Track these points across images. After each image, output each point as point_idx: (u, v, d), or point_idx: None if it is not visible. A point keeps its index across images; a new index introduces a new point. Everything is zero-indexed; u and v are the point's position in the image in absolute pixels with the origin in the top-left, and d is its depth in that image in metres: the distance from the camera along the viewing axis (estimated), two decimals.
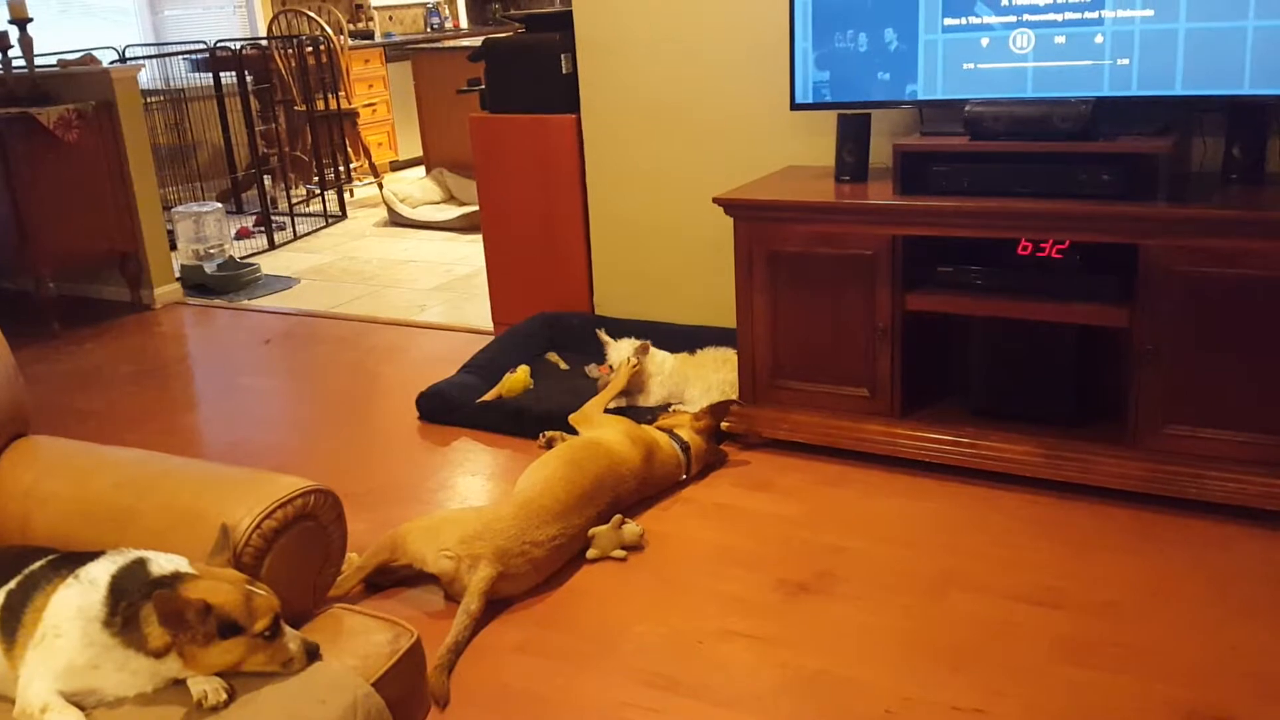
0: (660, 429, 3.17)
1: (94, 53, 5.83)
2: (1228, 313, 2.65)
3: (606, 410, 3.39)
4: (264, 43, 7.26)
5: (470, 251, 5.85)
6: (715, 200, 3.20)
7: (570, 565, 2.73)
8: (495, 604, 2.54)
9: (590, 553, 2.75)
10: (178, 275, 5.50)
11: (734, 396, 3.36)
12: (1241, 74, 2.72)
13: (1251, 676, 2.18)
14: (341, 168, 7.48)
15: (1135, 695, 2.15)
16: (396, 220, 6.84)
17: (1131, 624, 2.37)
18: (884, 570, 2.64)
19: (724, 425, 3.31)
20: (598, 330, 3.75)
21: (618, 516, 2.80)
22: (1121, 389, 2.89)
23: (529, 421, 3.46)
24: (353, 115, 7.73)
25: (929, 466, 3.07)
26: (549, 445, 3.27)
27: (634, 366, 3.52)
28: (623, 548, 2.76)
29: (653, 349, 3.61)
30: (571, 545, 2.71)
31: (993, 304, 2.97)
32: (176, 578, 1.49)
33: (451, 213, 6.73)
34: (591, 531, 2.76)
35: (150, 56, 6.89)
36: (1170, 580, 2.52)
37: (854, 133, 3.24)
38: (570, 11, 3.99)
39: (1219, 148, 2.94)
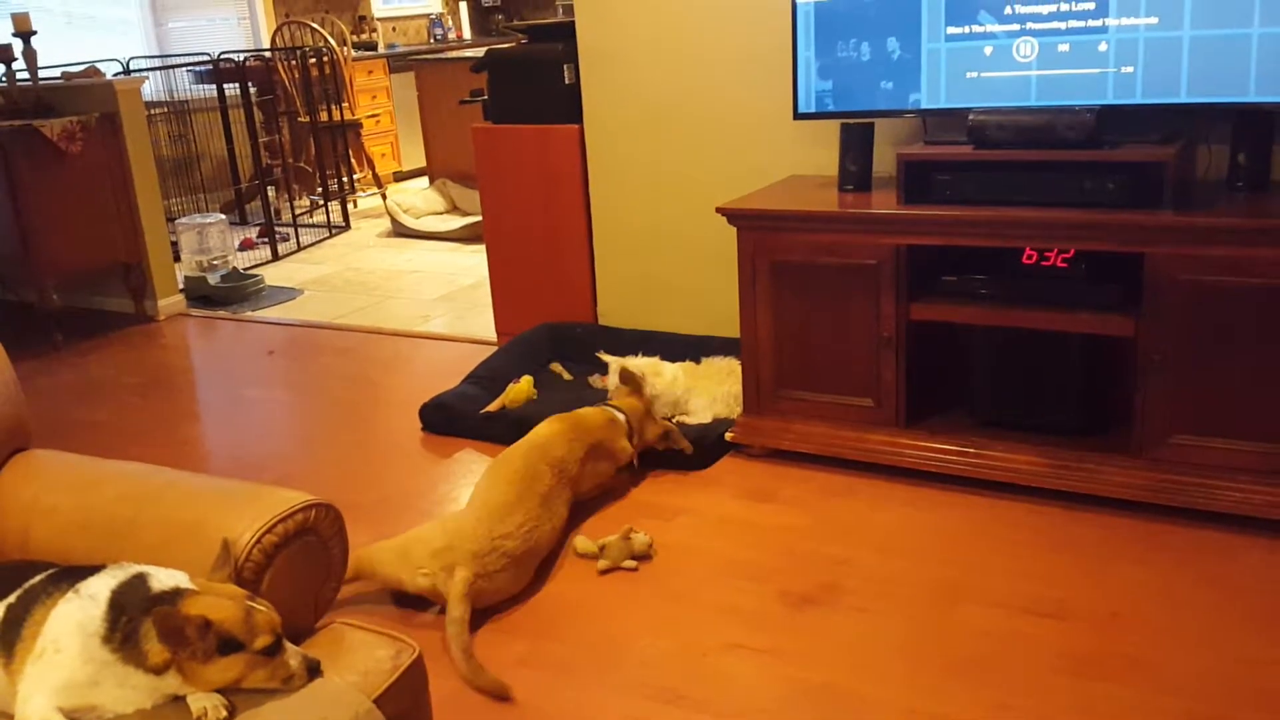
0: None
1: (98, 65, 5.85)
2: (1234, 321, 2.64)
3: None
4: (267, 54, 7.27)
5: (473, 262, 5.85)
6: (719, 210, 3.19)
7: (574, 577, 2.72)
8: (498, 613, 2.53)
9: (600, 564, 2.74)
10: (181, 287, 5.51)
11: (738, 408, 3.35)
12: (1247, 81, 2.71)
13: (1258, 689, 2.16)
14: (345, 179, 7.49)
15: (1141, 707, 2.13)
16: (400, 231, 6.84)
17: (1138, 636, 2.35)
18: (889, 582, 2.62)
19: (728, 436, 3.30)
20: (598, 353, 3.71)
21: (626, 526, 2.80)
22: (1128, 398, 2.87)
23: None
24: (356, 126, 7.74)
25: (934, 477, 3.05)
26: None
27: None
28: (632, 557, 2.75)
29: (657, 362, 3.59)
30: (542, 532, 2.71)
31: (998, 313, 2.96)
32: (177, 593, 1.48)
33: (455, 223, 6.73)
34: (600, 542, 2.77)
35: (154, 68, 6.90)
36: (1177, 591, 2.50)
37: (857, 142, 3.24)
38: (573, 22, 3.99)
39: (1224, 155, 2.93)
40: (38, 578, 1.56)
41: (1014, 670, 2.26)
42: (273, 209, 6.73)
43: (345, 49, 7.78)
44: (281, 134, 7.37)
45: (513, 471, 2.80)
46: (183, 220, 5.84)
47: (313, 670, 1.51)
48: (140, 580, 1.50)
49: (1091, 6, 2.83)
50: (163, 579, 1.51)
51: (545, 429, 3.01)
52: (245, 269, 5.87)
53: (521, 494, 2.73)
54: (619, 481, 3.16)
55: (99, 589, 1.49)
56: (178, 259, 5.62)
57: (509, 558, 2.58)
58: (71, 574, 1.54)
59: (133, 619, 1.45)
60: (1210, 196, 2.85)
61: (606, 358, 3.64)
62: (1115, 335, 2.85)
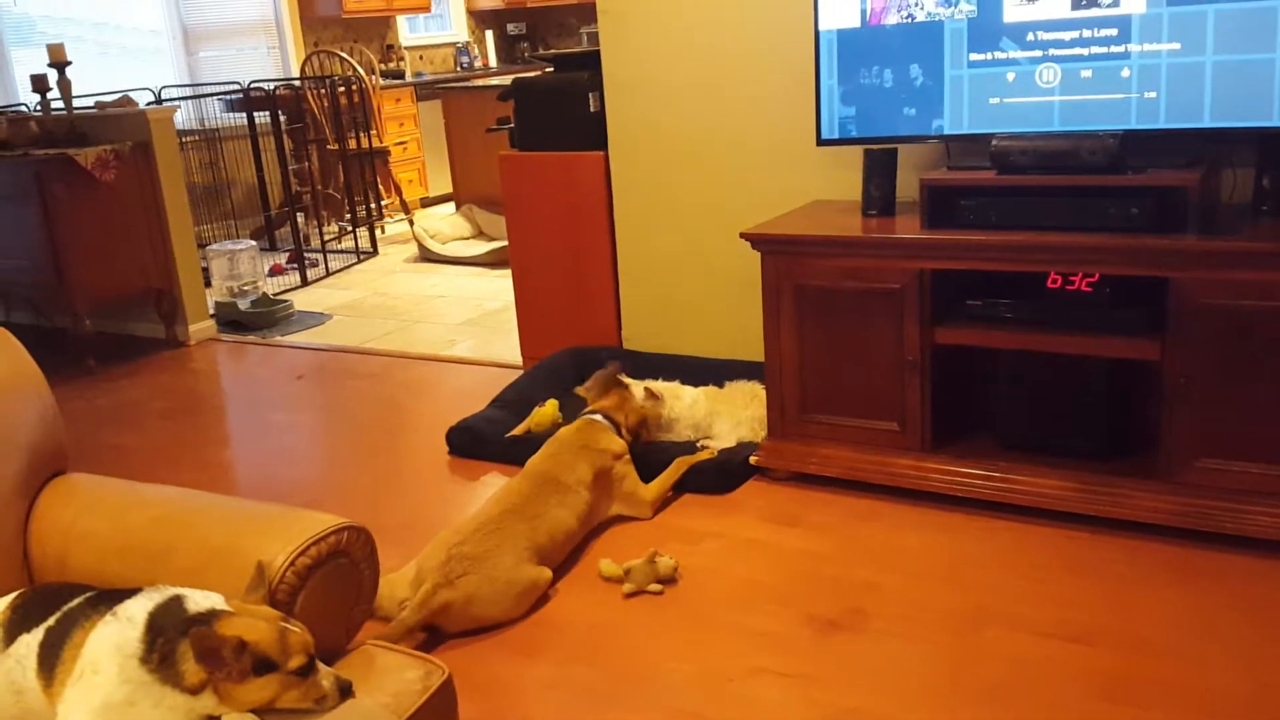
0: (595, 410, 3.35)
1: (131, 94, 5.95)
2: (1260, 345, 2.63)
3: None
4: (297, 83, 7.37)
5: (499, 287, 5.90)
6: (743, 235, 3.21)
7: (599, 600, 2.73)
8: (520, 635, 2.54)
9: (626, 588, 2.75)
10: (212, 312, 5.57)
11: (763, 432, 3.36)
12: (1270, 106, 2.72)
13: None
14: (373, 205, 7.57)
15: None
16: (427, 256, 6.90)
17: (1166, 661, 2.34)
18: (915, 606, 2.62)
19: (752, 460, 3.31)
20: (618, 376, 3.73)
21: (651, 550, 2.81)
22: (1154, 422, 2.87)
23: None
24: (384, 153, 7.82)
25: (960, 501, 3.05)
26: None
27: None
28: (658, 581, 2.77)
29: (676, 386, 3.61)
30: (509, 535, 2.75)
31: (1022, 337, 2.96)
32: (213, 615, 1.50)
33: (481, 248, 6.78)
34: (626, 566, 2.78)
35: (186, 97, 7.01)
36: (1205, 616, 2.49)
37: (880, 167, 3.26)
38: (598, 51, 4.03)
39: (1249, 179, 2.93)
40: (76, 600, 1.58)
41: (1041, 695, 2.26)
42: (302, 235, 6.80)
43: (373, 77, 7.88)
44: (311, 161, 7.45)
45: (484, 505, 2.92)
46: (213, 246, 5.93)
47: (345, 691, 1.53)
48: (177, 602, 1.53)
49: (1114, 33, 2.84)
50: (199, 600, 1.53)
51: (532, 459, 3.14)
52: (275, 294, 5.94)
53: (483, 511, 2.84)
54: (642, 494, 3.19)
55: (136, 611, 1.51)
56: (208, 284, 5.70)
57: (469, 560, 2.66)
58: (109, 596, 1.57)
59: (170, 640, 1.47)
60: (1235, 220, 2.86)
61: (627, 380, 3.65)
62: (1141, 359, 2.85)
